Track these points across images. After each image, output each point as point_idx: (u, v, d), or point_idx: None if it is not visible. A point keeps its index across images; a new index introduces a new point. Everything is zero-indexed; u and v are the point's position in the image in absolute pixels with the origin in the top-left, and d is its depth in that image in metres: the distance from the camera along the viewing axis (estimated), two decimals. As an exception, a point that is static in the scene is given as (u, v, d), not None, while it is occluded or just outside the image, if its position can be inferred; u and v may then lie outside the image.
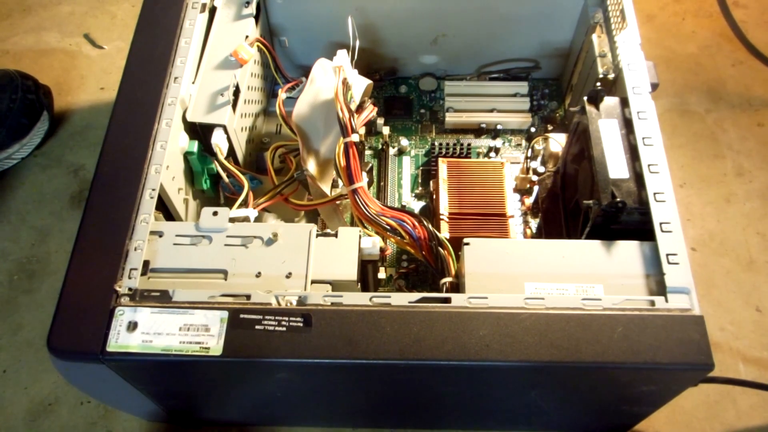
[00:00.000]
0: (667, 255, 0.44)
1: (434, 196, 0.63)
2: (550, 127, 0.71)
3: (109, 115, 0.51)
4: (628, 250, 0.46)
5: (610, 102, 0.53)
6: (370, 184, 0.67)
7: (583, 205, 0.50)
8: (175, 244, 0.47)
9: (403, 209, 0.54)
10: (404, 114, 0.73)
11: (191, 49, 0.56)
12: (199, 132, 0.57)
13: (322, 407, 0.57)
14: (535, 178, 0.66)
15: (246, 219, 0.51)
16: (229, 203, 0.57)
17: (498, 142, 0.70)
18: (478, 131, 0.71)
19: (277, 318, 0.42)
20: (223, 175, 0.57)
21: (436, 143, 0.69)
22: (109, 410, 0.62)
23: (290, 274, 0.46)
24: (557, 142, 0.65)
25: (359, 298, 0.43)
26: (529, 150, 0.68)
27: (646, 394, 0.47)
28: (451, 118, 0.71)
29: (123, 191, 0.48)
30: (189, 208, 0.57)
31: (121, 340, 0.42)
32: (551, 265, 0.45)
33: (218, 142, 0.56)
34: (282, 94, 0.61)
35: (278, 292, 0.43)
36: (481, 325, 0.42)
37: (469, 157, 0.68)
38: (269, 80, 0.70)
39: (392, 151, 0.71)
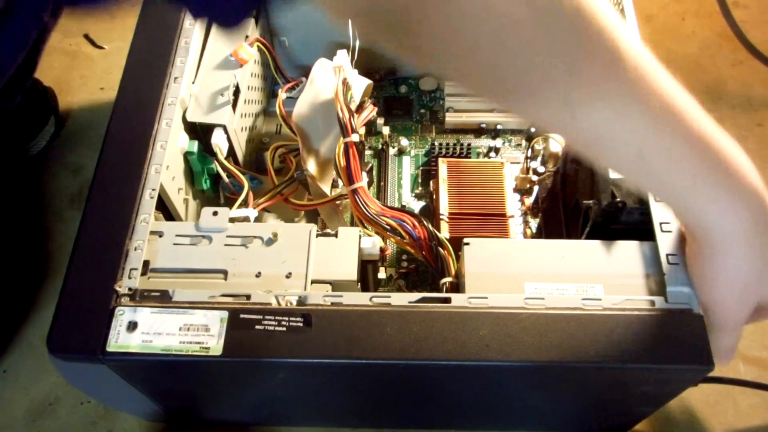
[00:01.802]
0: (667, 255, 0.44)
1: (434, 196, 0.63)
2: (550, 127, 0.71)
3: (109, 115, 0.51)
4: (628, 250, 0.46)
5: (610, 102, 0.53)
6: (370, 184, 0.67)
7: (583, 205, 0.50)
8: (175, 244, 0.47)
9: (403, 209, 0.54)
10: (404, 114, 0.73)
11: (191, 49, 0.56)
12: (199, 132, 0.57)
13: (322, 407, 0.57)
14: (535, 178, 0.66)
15: (246, 219, 0.51)
16: (229, 203, 0.57)
17: (498, 142, 0.70)
18: (478, 131, 0.71)
19: (277, 318, 0.42)
20: (223, 175, 0.57)
21: (436, 143, 0.69)
22: (109, 410, 0.62)
23: (290, 274, 0.46)
24: (557, 142, 0.65)
25: (359, 298, 0.43)
26: (529, 150, 0.68)
27: (646, 394, 0.47)
28: (451, 118, 0.70)
29: (123, 191, 0.48)
30: (189, 208, 0.57)
31: (121, 340, 0.42)
32: (551, 265, 0.45)
33: (218, 142, 0.56)
34: (282, 94, 0.61)
35: (278, 292, 0.43)
36: (481, 325, 0.42)
37: (469, 157, 0.68)
38: (269, 80, 0.70)
39: (392, 151, 0.71)
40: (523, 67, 0.32)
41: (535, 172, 0.67)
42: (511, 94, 0.34)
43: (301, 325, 0.42)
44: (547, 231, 0.62)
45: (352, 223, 0.59)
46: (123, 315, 0.42)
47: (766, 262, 0.38)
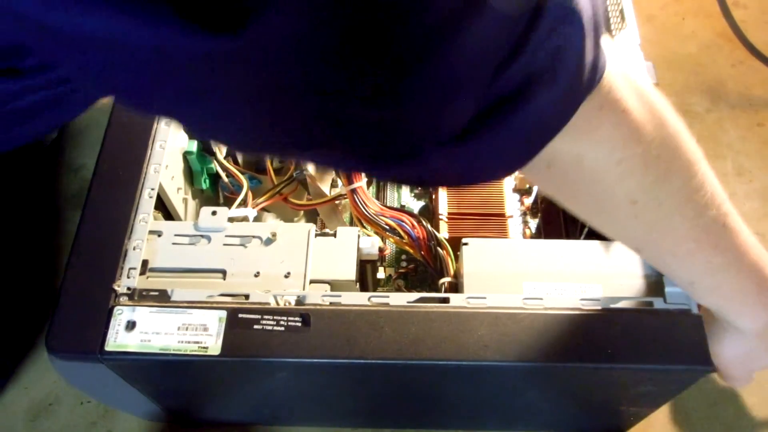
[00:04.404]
0: (666, 255, 0.44)
1: (433, 196, 0.63)
2: (549, 127, 0.71)
3: (108, 115, 0.51)
4: (627, 250, 0.46)
5: (609, 102, 0.53)
6: (369, 183, 0.67)
7: (582, 205, 0.50)
8: (174, 243, 0.47)
9: (402, 209, 0.54)
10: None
11: (190, 49, 0.56)
12: (199, 132, 0.57)
13: (321, 407, 0.57)
14: (534, 178, 0.66)
15: (245, 218, 0.51)
16: (229, 203, 0.57)
17: (497, 142, 0.70)
18: (478, 131, 0.71)
19: (275, 318, 0.42)
20: (223, 174, 0.57)
21: (436, 143, 0.69)
22: (109, 410, 0.62)
23: (289, 273, 0.46)
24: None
25: (358, 298, 0.43)
26: (529, 150, 0.68)
27: (644, 395, 0.47)
28: (450, 118, 0.70)
29: (122, 191, 0.48)
30: (188, 208, 0.57)
31: (119, 339, 0.42)
32: (550, 265, 0.45)
33: (217, 141, 0.56)
34: (281, 94, 0.61)
35: (277, 292, 0.43)
36: (479, 325, 0.42)
37: (469, 157, 0.68)
38: (269, 80, 0.70)
39: (392, 151, 0.71)
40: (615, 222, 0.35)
41: (535, 172, 0.67)
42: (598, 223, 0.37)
43: (299, 324, 0.42)
44: (546, 231, 0.62)
45: (351, 223, 0.59)
46: (122, 314, 0.42)
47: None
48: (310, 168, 0.57)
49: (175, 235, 0.47)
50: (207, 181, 0.59)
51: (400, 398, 0.52)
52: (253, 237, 0.47)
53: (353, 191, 0.52)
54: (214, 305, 0.43)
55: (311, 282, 0.46)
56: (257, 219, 0.55)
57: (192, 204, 0.58)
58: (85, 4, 0.18)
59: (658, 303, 0.43)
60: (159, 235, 0.47)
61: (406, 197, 0.68)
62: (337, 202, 0.59)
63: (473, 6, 0.22)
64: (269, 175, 0.58)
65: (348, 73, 0.22)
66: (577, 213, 0.36)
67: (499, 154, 0.28)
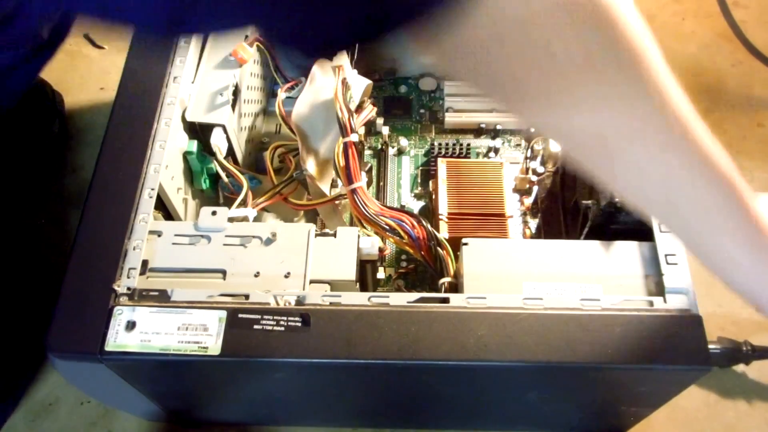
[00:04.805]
0: (666, 255, 0.44)
1: (433, 196, 0.63)
2: (549, 127, 0.71)
3: (108, 115, 0.51)
4: (627, 250, 0.46)
5: (609, 102, 0.53)
6: (369, 184, 0.67)
7: (582, 205, 0.50)
8: (174, 243, 0.47)
9: (402, 209, 0.54)
10: (404, 114, 0.73)
11: (190, 49, 0.56)
12: (199, 131, 0.57)
13: (321, 407, 0.57)
14: (534, 178, 0.66)
15: (245, 219, 0.51)
16: (229, 203, 0.57)
17: (497, 142, 0.70)
18: (478, 131, 0.71)
19: (275, 318, 0.42)
20: (223, 174, 0.57)
21: (436, 143, 0.69)
22: (109, 410, 0.62)
23: (289, 273, 0.46)
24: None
25: (358, 298, 0.43)
26: (529, 150, 0.68)
27: (644, 395, 0.47)
28: (450, 118, 0.70)
29: (122, 191, 0.48)
30: (188, 208, 0.57)
31: (119, 339, 0.42)
32: (550, 266, 0.45)
33: (217, 141, 0.56)
34: (281, 94, 0.61)
35: (277, 292, 0.43)
36: (479, 325, 0.42)
37: (469, 158, 0.68)
38: (269, 80, 0.70)
39: (392, 151, 0.71)
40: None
41: (535, 172, 0.67)
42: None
43: (299, 324, 0.42)
44: (546, 231, 0.62)
45: (351, 223, 0.59)
46: (121, 314, 0.42)
47: None
48: (310, 168, 0.57)
49: (175, 235, 0.47)
50: (207, 181, 0.59)
51: (400, 398, 0.52)
52: (253, 237, 0.47)
53: (353, 191, 0.52)
54: (214, 305, 0.43)
55: (311, 282, 0.46)
56: (257, 219, 0.55)
57: (192, 204, 0.58)
58: None
59: (657, 303, 0.43)
60: (159, 235, 0.47)
61: (406, 197, 0.68)
62: (337, 202, 0.59)
63: None
64: (269, 175, 0.58)
65: None
66: (534, 105, 0.31)
67: None
